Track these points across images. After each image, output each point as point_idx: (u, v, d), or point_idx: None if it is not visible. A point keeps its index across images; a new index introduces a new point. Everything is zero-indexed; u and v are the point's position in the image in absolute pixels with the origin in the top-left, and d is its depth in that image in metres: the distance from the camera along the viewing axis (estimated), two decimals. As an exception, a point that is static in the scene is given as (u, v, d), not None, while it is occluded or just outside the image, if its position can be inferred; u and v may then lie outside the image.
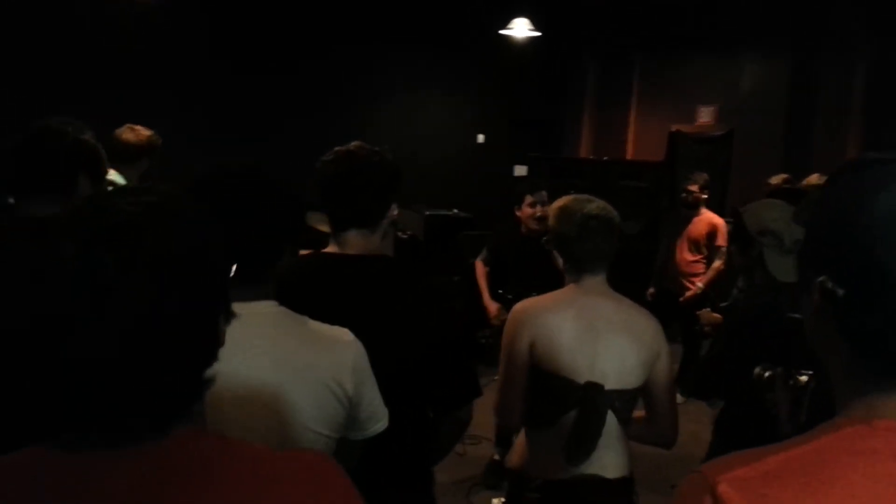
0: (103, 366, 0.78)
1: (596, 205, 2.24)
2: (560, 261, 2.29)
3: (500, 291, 4.73)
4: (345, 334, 1.50)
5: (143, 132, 3.85)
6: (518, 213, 4.52)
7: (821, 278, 0.83)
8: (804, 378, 1.90)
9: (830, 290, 0.82)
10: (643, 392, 2.24)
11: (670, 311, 5.61)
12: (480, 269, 4.84)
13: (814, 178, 4.74)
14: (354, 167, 1.83)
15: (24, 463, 0.83)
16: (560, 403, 2.15)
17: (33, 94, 5.62)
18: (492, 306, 4.70)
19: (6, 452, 0.86)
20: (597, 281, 2.24)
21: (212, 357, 0.88)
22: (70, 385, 0.79)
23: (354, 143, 1.90)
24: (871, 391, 0.82)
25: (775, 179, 5.07)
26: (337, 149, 1.89)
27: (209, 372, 0.87)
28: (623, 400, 2.17)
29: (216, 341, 0.89)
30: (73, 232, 0.79)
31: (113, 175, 3.66)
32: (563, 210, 2.26)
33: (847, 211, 0.82)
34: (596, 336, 2.15)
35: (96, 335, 0.77)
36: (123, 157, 3.75)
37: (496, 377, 4.38)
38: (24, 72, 6.14)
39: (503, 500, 3.07)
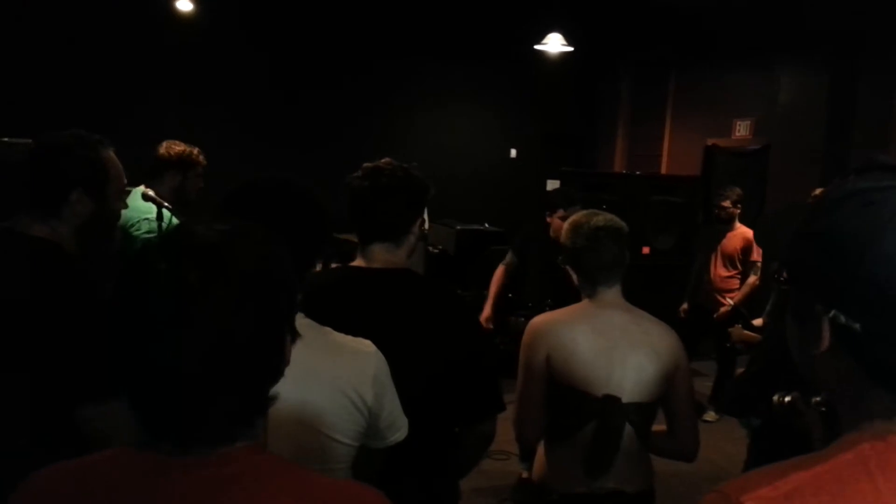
0: (181, 375, 0.85)
1: (603, 217, 2.28)
2: (575, 278, 2.31)
3: (510, 295, 4.71)
4: (366, 345, 1.52)
5: (176, 147, 3.70)
6: (548, 219, 4.54)
7: (831, 313, 0.82)
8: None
9: (845, 325, 0.80)
10: (663, 405, 2.23)
11: (704, 327, 5.55)
12: (499, 273, 4.83)
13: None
14: (378, 182, 1.88)
15: (112, 461, 0.92)
16: (577, 416, 2.15)
17: (80, 109, 5.78)
18: (487, 311, 4.68)
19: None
20: (612, 293, 2.24)
21: (278, 373, 0.94)
22: (150, 391, 0.87)
23: (384, 160, 1.94)
24: (882, 414, 0.82)
25: (819, 192, 5.00)
26: (365, 164, 1.94)
27: (273, 390, 0.94)
28: (641, 413, 2.16)
29: (283, 359, 0.95)
30: (164, 251, 0.89)
31: (141, 189, 3.45)
32: (571, 224, 2.31)
33: (860, 243, 0.80)
34: (612, 349, 2.15)
35: (179, 344, 0.84)
36: (149, 171, 3.66)
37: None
38: (69, 89, 6.32)
39: (530, 515, 3.07)
